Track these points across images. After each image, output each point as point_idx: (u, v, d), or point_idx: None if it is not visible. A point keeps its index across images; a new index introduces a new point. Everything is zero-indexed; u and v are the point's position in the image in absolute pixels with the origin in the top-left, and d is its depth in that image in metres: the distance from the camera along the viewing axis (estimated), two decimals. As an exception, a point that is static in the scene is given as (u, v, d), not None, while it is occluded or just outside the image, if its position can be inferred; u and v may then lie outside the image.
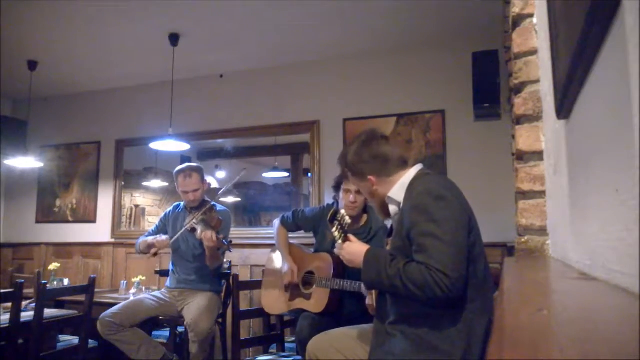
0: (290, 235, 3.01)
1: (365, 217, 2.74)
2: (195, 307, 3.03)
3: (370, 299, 2.19)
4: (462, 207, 1.59)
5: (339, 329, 2.06)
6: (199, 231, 3.01)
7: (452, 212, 1.55)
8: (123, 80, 4.92)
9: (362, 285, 2.39)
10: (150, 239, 3.20)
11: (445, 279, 1.43)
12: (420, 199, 1.57)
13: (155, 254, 3.14)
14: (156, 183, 5.08)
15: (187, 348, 2.98)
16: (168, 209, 3.46)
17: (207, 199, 3.31)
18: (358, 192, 2.60)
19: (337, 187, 2.72)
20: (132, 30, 3.82)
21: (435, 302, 1.48)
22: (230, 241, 3.11)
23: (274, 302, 2.90)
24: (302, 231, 3.01)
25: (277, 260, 2.95)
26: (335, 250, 1.80)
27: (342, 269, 2.59)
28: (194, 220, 3.04)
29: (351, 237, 1.76)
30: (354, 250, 1.70)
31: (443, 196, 1.56)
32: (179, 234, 3.15)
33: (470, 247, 1.55)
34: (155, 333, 3.50)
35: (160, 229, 3.41)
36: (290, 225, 2.93)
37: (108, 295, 3.83)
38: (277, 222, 2.98)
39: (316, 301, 2.64)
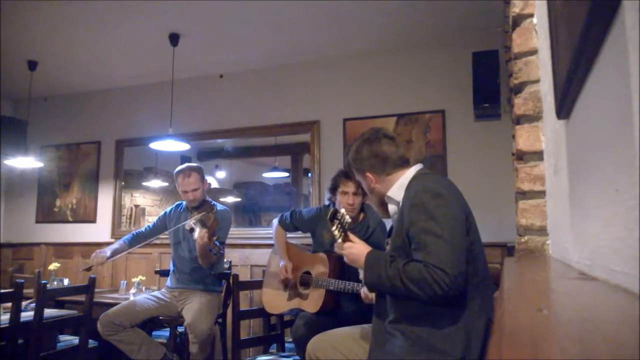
0: (289, 235, 3.02)
1: (362, 214, 2.75)
2: (195, 308, 3.03)
3: (365, 290, 2.20)
4: (460, 206, 1.60)
5: (338, 328, 2.06)
6: (196, 231, 3.00)
7: (450, 210, 1.55)
8: (123, 80, 4.92)
9: (357, 286, 2.40)
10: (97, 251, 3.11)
11: (444, 276, 1.43)
12: (419, 197, 1.58)
13: (89, 269, 3.09)
14: (156, 183, 5.08)
15: (188, 348, 2.98)
16: (169, 208, 3.46)
17: (208, 198, 3.31)
18: (355, 194, 2.60)
19: (333, 190, 2.71)
20: (132, 30, 3.82)
21: (436, 301, 1.49)
22: (223, 242, 3.12)
23: (274, 301, 2.91)
24: (300, 232, 3.03)
25: (277, 260, 2.96)
26: (335, 249, 1.81)
27: (339, 270, 2.60)
28: (192, 220, 3.04)
29: (352, 237, 1.76)
30: (356, 251, 1.71)
31: (441, 194, 1.57)
32: (178, 225, 3.16)
33: (468, 246, 1.56)
34: (155, 333, 3.49)
35: (157, 226, 3.40)
36: (288, 225, 2.95)
37: (108, 295, 3.83)
38: (275, 222, 3.00)
39: (312, 301, 2.65)
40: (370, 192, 1.84)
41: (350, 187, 2.59)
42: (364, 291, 2.26)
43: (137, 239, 3.38)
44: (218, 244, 2.96)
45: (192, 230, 3.04)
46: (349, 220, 1.77)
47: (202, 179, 3.24)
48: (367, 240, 1.92)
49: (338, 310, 2.62)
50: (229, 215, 3.35)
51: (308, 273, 2.75)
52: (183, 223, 3.13)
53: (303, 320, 2.57)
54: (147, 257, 4.62)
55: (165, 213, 3.43)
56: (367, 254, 1.66)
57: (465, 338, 1.53)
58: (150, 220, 4.92)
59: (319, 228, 2.84)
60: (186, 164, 3.30)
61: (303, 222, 2.91)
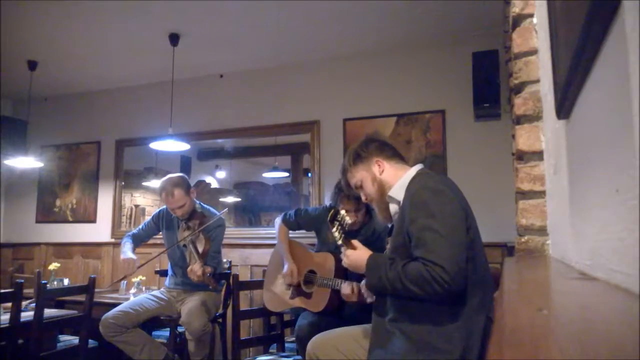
0: (292, 234, 2.99)
1: (367, 217, 2.73)
2: (190, 306, 3.03)
3: (349, 289, 2.18)
4: (459, 204, 1.61)
5: (339, 328, 2.06)
6: (187, 253, 2.98)
7: (450, 207, 1.56)
8: (123, 80, 4.92)
9: (362, 284, 2.39)
10: (122, 254, 3.16)
11: (443, 273, 1.43)
12: (419, 195, 1.59)
13: (124, 278, 3.15)
14: (156, 183, 5.05)
15: (188, 347, 2.99)
16: (162, 207, 3.38)
17: (197, 205, 3.22)
18: (357, 211, 2.58)
19: (335, 202, 2.67)
20: (132, 30, 3.82)
21: (436, 298, 1.49)
22: (218, 251, 3.11)
23: (275, 299, 2.90)
24: (303, 230, 3.00)
25: (279, 258, 2.94)
26: (343, 263, 1.81)
27: (343, 269, 2.59)
28: (185, 240, 2.97)
29: (355, 242, 1.76)
30: (357, 257, 1.71)
31: (441, 192, 1.58)
32: (173, 246, 3.11)
33: (469, 243, 1.56)
34: (155, 333, 3.50)
35: (151, 228, 3.39)
36: (292, 224, 2.91)
37: (108, 295, 3.83)
38: (278, 220, 2.95)
39: (316, 300, 2.64)
40: (373, 183, 1.80)
41: (351, 206, 2.53)
42: (344, 288, 2.23)
43: (135, 241, 3.38)
44: (215, 275, 2.92)
45: (185, 246, 3.01)
46: (349, 221, 1.77)
47: (187, 191, 3.10)
48: (371, 243, 1.91)
49: (341, 310, 2.61)
50: (222, 223, 3.25)
51: (312, 272, 2.73)
52: (175, 244, 3.08)
53: (306, 320, 2.56)
54: (147, 257, 4.61)
55: (159, 212, 3.38)
56: (367, 258, 1.67)
57: (465, 336, 1.53)
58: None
59: (324, 227, 2.80)
60: (168, 178, 3.14)
61: (309, 220, 2.87)
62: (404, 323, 1.59)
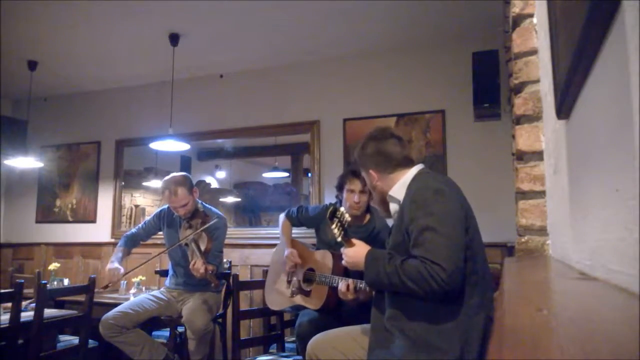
0: (294, 234, 3.02)
1: (367, 216, 2.75)
2: (192, 305, 3.04)
3: (344, 286, 2.18)
4: (459, 203, 1.62)
5: (339, 328, 2.06)
6: (189, 252, 2.98)
7: (450, 206, 1.57)
8: (123, 80, 4.92)
9: (360, 283, 2.39)
10: (110, 263, 3.16)
11: (441, 271, 1.44)
12: (419, 194, 1.61)
13: (106, 287, 3.14)
14: (156, 183, 5.07)
15: (187, 346, 2.98)
16: (163, 206, 3.38)
17: (200, 204, 3.20)
18: (362, 192, 2.60)
19: (339, 187, 2.72)
20: (132, 30, 3.82)
21: (433, 296, 1.49)
22: (220, 250, 3.10)
23: (277, 297, 2.91)
24: (305, 227, 3.03)
25: (280, 255, 2.96)
26: (343, 262, 1.82)
27: (343, 267, 2.60)
28: (187, 238, 2.96)
29: (354, 240, 1.77)
30: (355, 254, 1.72)
31: (441, 191, 1.59)
32: (176, 245, 3.10)
33: (468, 243, 1.56)
34: (155, 333, 3.50)
35: (151, 227, 3.38)
36: (294, 220, 2.97)
37: (108, 295, 3.82)
38: (282, 215, 3.00)
39: (315, 298, 2.65)
40: (373, 189, 1.87)
41: (356, 185, 2.60)
42: (342, 285, 2.22)
43: (133, 241, 3.38)
44: (216, 272, 2.91)
45: (187, 245, 3.01)
46: (349, 218, 1.78)
47: (190, 191, 3.09)
48: (371, 241, 1.92)
49: (341, 308, 2.62)
50: (224, 223, 3.25)
51: (312, 270, 2.75)
52: (177, 243, 3.05)
53: (307, 318, 2.57)
54: (147, 257, 4.61)
55: (161, 211, 3.38)
56: (366, 253, 1.67)
57: (464, 335, 1.53)
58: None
59: (323, 225, 2.83)
60: (171, 177, 3.13)
61: (308, 218, 2.91)
62: (402, 321, 1.60)
